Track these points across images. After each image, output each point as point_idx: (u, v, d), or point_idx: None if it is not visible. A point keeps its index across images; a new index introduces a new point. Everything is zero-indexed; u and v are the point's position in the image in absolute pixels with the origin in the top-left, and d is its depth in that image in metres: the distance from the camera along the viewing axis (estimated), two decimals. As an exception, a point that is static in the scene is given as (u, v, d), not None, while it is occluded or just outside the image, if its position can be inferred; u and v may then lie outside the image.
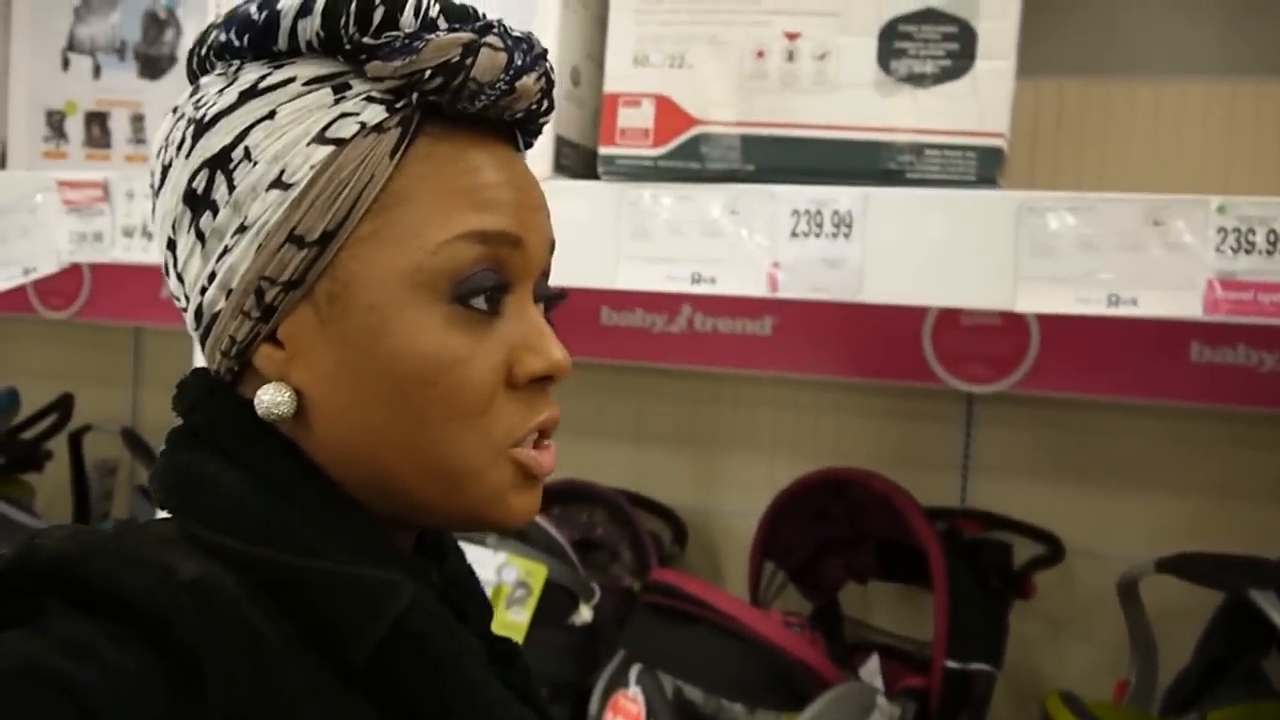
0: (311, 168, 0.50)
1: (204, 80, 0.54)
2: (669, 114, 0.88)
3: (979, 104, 0.82)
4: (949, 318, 1.28)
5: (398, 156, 0.51)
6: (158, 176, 0.54)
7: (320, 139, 0.50)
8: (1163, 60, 1.25)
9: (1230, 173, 1.24)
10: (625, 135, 0.89)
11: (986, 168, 0.82)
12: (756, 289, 0.85)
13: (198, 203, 0.52)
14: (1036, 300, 0.78)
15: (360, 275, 0.51)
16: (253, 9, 0.52)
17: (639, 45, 0.88)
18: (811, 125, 0.85)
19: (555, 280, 0.92)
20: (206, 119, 0.52)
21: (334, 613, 0.48)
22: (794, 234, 0.84)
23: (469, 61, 0.50)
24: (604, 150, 0.90)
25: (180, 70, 1.27)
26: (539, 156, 0.92)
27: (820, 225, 0.83)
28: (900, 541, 1.17)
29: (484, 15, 0.53)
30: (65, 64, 1.32)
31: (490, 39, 0.51)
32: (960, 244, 0.80)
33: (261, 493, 0.51)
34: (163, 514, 0.53)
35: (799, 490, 1.20)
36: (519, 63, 0.52)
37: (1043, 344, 1.25)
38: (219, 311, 0.53)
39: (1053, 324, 1.24)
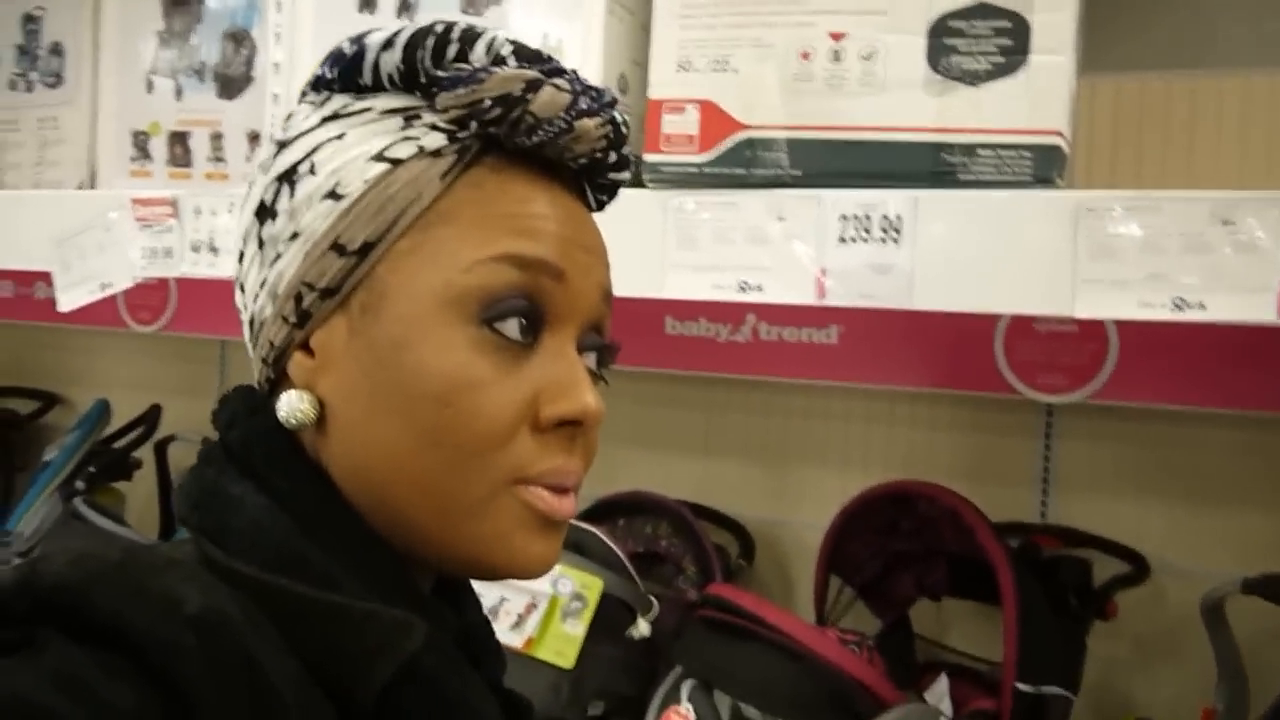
0: (365, 182, 0.51)
1: (296, 108, 0.57)
2: (714, 119, 0.86)
3: (1034, 101, 0.78)
4: (1022, 325, 1.23)
5: (448, 179, 0.51)
6: (245, 194, 0.56)
7: (378, 157, 0.52)
8: (1254, 54, 1.18)
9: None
10: (670, 142, 0.88)
11: (1044, 167, 0.78)
12: (804, 297, 0.83)
13: (264, 213, 0.54)
14: (1096, 305, 0.74)
15: (395, 288, 0.51)
16: (346, 44, 0.55)
17: (682, 50, 0.87)
18: (859, 127, 0.82)
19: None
20: (289, 140, 0.55)
21: (345, 648, 0.47)
22: (841, 240, 0.81)
23: (529, 96, 0.51)
24: (649, 157, 0.89)
25: (255, 89, 1.31)
26: (585, 165, 0.91)
27: (868, 230, 0.80)
28: (972, 557, 1.12)
29: (558, 62, 0.54)
30: (149, 87, 1.36)
31: (557, 80, 0.52)
32: (1015, 247, 0.77)
33: (283, 520, 0.50)
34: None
35: (864, 504, 1.17)
36: (583, 106, 0.52)
37: (1122, 351, 1.19)
38: (265, 318, 0.54)
39: (1133, 330, 1.19)
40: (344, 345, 0.52)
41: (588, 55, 0.91)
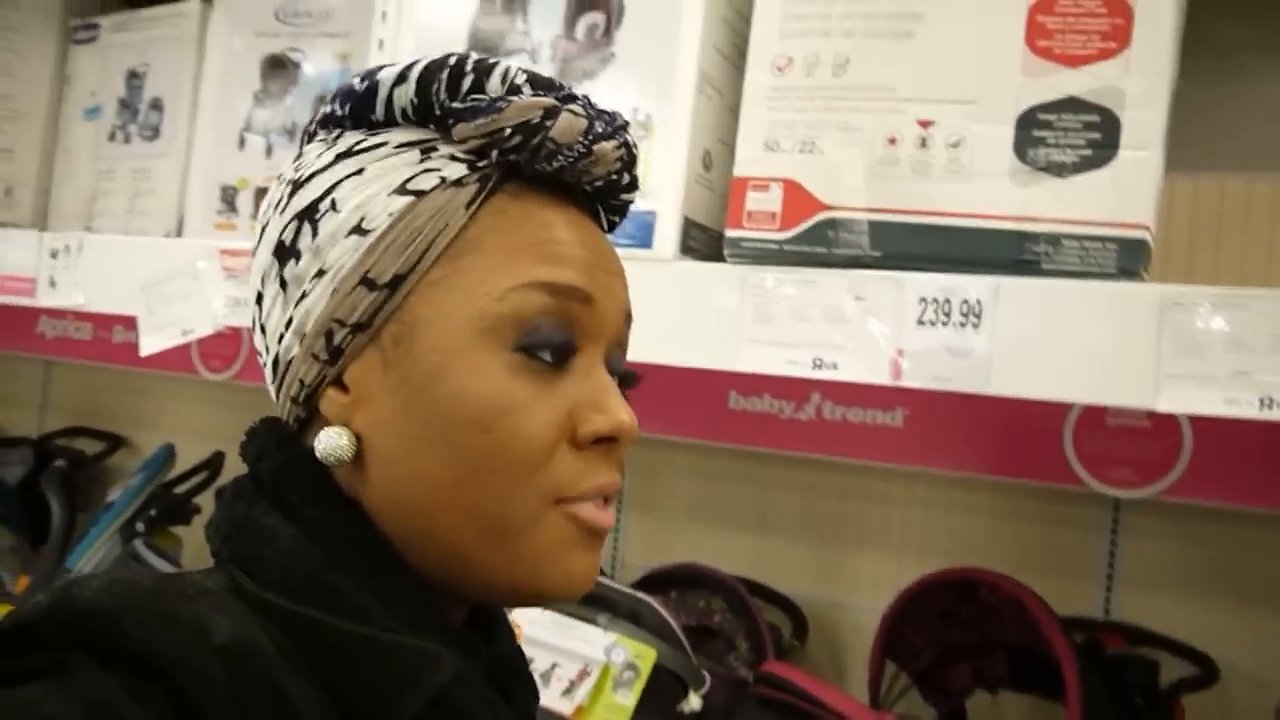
0: (390, 215, 0.52)
1: (307, 147, 0.58)
2: (797, 198, 0.88)
3: (1121, 194, 0.78)
4: (1093, 417, 1.22)
5: (473, 208, 0.52)
6: (257, 236, 0.57)
7: (401, 190, 0.52)
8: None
9: None
10: (752, 218, 0.89)
11: (1129, 260, 0.78)
12: (879, 377, 0.83)
13: (285, 253, 0.54)
14: (1181, 400, 0.74)
15: (427, 319, 0.51)
16: (356, 81, 0.55)
17: (770, 131, 0.89)
18: (943, 213, 0.83)
19: (679, 360, 0.92)
20: (303, 178, 0.55)
21: (373, 680, 0.47)
22: (920, 322, 0.82)
23: (548, 123, 0.52)
24: (730, 233, 0.90)
25: (342, 150, 1.35)
26: (666, 238, 0.93)
27: (948, 314, 0.81)
28: (1033, 650, 1.10)
29: (570, 88, 0.55)
30: (241, 144, 1.42)
31: (573, 106, 0.53)
32: (1098, 338, 0.77)
33: (315, 551, 0.50)
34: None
35: (924, 589, 1.15)
36: (599, 130, 0.54)
37: (1196, 449, 1.17)
38: (293, 357, 0.54)
39: (1207, 427, 1.17)
40: (379, 379, 0.52)
41: (675, 132, 0.93)
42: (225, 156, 1.41)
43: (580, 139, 0.53)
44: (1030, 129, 0.81)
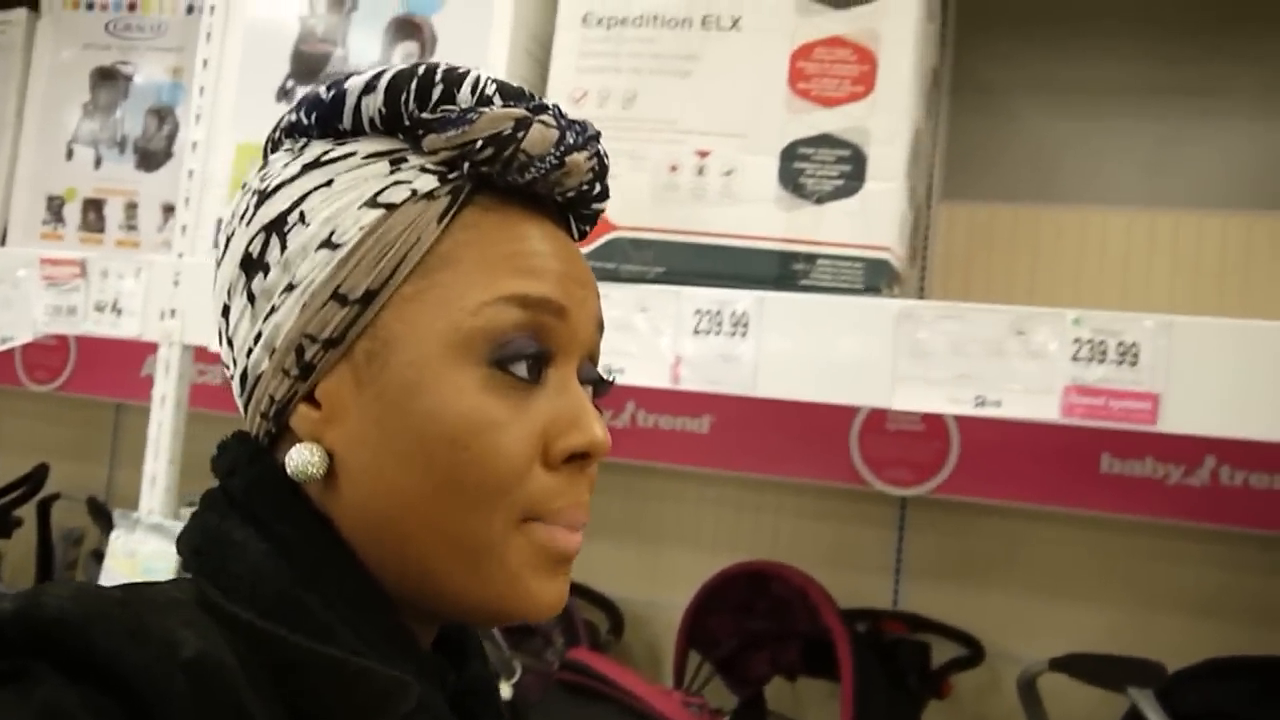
0: (361, 229, 0.51)
1: (272, 156, 0.56)
2: (591, 218, 0.96)
3: (867, 220, 0.89)
4: (875, 422, 1.34)
5: (445, 221, 0.51)
6: (221, 248, 0.55)
7: (372, 203, 0.51)
8: (1090, 191, 1.34)
9: (1150, 295, 1.31)
10: (551, 236, 0.97)
11: (873, 277, 0.89)
12: (661, 381, 0.92)
13: (252, 266, 0.53)
14: (911, 399, 0.85)
15: (401, 335, 0.50)
16: (322, 90, 0.54)
17: (566, 156, 0.97)
18: (717, 234, 0.93)
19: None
20: (269, 189, 0.53)
21: (336, 704, 0.46)
22: (696, 331, 0.91)
23: (520, 135, 0.51)
24: (531, 249, 0.97)
25: (173, 164, 1.38)
26: (473, 252, 1.00)
27: (720, 324, 0.90)
28: (820, 637, 1.20)
29: (540, 98, 0.54)
30: (69, 154, 1.42)
31: (544, 117, 0.52)
32: (845, 345, 0.87)
33: (284, 567, 0.49)
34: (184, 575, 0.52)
35: (721, 582, 1.25)
36: (571, 140, 0.53)
37: (963, 451, 1.30)
38: (262, 372, 0.53)
39: (972, 431, 1.30)
40: (352, 395, 0.51)
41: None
42: (52, 167, 1.41)
43: (552, 150, 0.52)
44: (792, 161, 0.91)
